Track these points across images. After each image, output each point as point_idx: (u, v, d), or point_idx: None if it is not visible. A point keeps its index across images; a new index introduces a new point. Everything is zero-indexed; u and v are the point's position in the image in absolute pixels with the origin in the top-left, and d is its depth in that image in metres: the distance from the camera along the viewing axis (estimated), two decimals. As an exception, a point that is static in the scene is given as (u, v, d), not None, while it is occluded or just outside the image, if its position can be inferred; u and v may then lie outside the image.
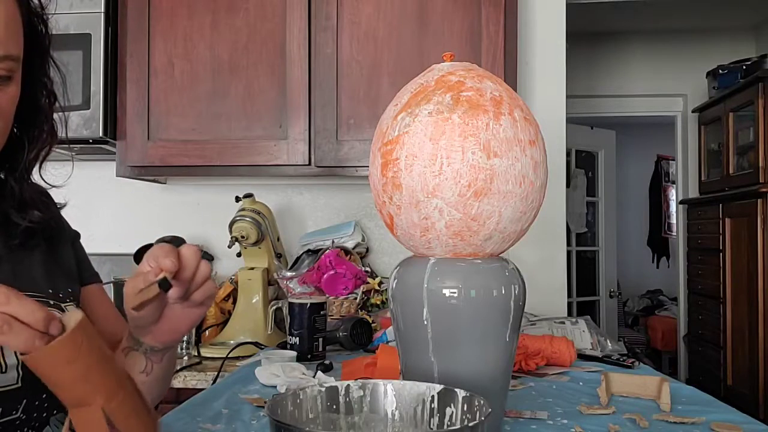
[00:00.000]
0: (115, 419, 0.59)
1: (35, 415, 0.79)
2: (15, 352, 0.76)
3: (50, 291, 0.87)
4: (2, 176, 0.87)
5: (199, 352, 1.85)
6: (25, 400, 0.77)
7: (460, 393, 0.73)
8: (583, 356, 1.55)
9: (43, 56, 0.86)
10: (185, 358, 1.84)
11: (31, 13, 0.82)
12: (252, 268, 2.00)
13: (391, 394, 0.77)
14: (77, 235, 1.02)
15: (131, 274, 2.29)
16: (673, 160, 5.27)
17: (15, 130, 0.84)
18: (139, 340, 0.81)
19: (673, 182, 6.04)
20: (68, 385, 0.58)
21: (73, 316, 0.59)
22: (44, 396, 0.80)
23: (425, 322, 0.90)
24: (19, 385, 0.76)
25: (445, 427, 0.74)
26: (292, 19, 1.93)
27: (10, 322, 0.54)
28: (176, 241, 2.09)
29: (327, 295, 1.91)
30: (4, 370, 0.75)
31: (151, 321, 0.78)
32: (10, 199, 0.85)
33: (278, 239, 2.11)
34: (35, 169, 0.89)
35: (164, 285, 0.70)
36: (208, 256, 2.26)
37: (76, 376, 0.58)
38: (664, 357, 5.88)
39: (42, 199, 0.90)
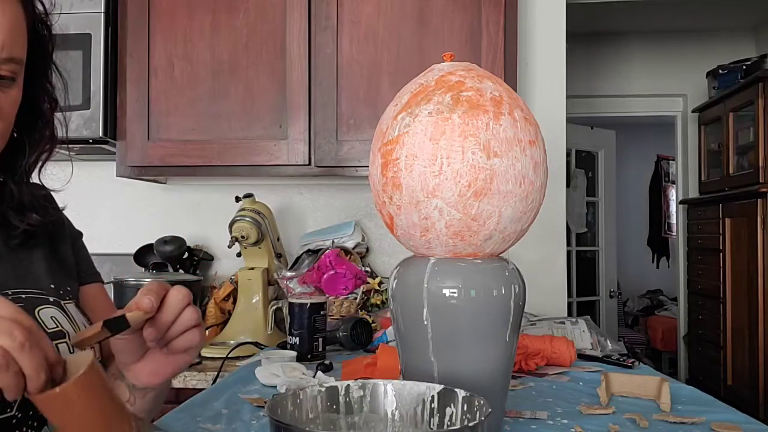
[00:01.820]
0: None
1: (32, 413, 0.79)
2: None
3: (51, 287, 0.87)
4: (1, 178, 0.87)
5: (199, 352, 1.85)
6: (19, 398, 0.77)
7: (460, 393, 0.73)
8: (583, 356, 1.55)
9: (46, 61, 0.87)
10: (185, 358, 1.84)
11: (35, 17, 0.82)
12: (252, 268, 2.00)
13: (391, 394, 0.77)
14: (79, 234, 1.01)
15: (131, 274, 2.27)
16: (673, 160, 5.28)
17: (15, 134, 0.84)
18: (122, 374, 0.77)
19: (673, 182, 6.04)
20: (59, 427, 0.58)
21: (81, 361, 0.57)
22: None
23: (425, 322, 0.90)
24: None
25: (445, 427, 0.74)
26: (292, 19, 1.93)
27: (8, 364, 0.54)
28: (176, 242, 2.10)
29: (327, 295, 1.91)
30: None
31: (131, 359, 0.74)
32: (9, 201, 0.86)
33: (278, 239, 2.11)
34: (35, 172, 0.89)
35: (112, 325, 0.63)
36: (208, 257, 2.26)
37: (64, 427, 0.57)
38: (664, 357, 5.88)
39: (41, 202, 0.90)
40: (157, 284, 0.70)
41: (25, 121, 0.85)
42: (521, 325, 0.97)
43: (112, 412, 0.59)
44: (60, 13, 0.89)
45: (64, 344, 0.83)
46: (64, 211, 0.98)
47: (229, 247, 1.98)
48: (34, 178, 0.90)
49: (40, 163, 0.88)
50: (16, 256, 0.86)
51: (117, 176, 2.04)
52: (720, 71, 4.04)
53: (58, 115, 0.90)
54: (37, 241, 0.89)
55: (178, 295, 0.70)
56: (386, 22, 1.92)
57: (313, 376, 1.31)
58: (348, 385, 0.77)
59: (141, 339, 0.71)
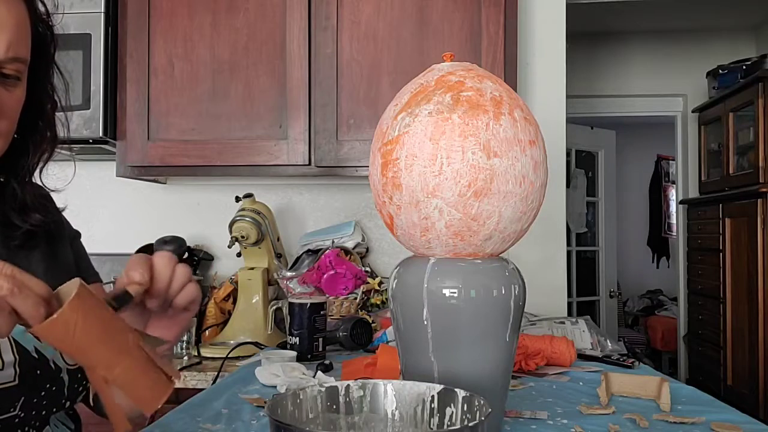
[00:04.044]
0: (118, 384, 0.61)
1: (34, 413, 0.79)
2: (12, 349, 0.77)
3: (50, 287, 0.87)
4: (2, 178, 0.87)
5: (199, 352, 1.85)
6: (22, 398, 0.77)
7: (460, 393, 0.73)
8: (583, 356, 1.54)
9: (48, 62, 0.87)
10: (185, 358, 1.84)
11: (38, 19, 0.83)
12: (252, 268, 2.00)
13: (391, 394, 0.77)
14: (77, 234, 1.02)
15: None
16: (673, 160, 5.27)
17: (16, 135, 0.84)
18: None
19: (673, 182, 6.04)
20: (68, 354, 0.61)
21: (71, 288, 0.60)
22: (43, 394, 0.80)
23: (425, 322, 0.90)
24: (17, 382, 0.76)
25: (445, 427, 0.74)
26: (292, 19, 1.93)
27: (1, 306, 0.57)
28: (176, 242, 2.10)
29: (327, 295, 1.91)
30: (1, 368, 0.75)
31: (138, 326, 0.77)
32: (11, 201, 0.86)
33: (278, 239, 2.11)
34: (36, 173, 0.89)
35: (119, 301, 0.66)
36: (208, 257, 2.26)
37: (72, 350, 0.60)
38: (664, 357, 5.88)
39: (42, 202, 0.90)
40: (139, 257, 0.73)
41: (26, 122, 0.85)
42: (521, 325, 0.97)
43: (111, 325, 0.62)
44: (63, 14, 0.90)
45: None
46: (63, 212, 0.98)
47: (229, 247, 1.99)
48: (36, 179, 0.90)
49: (41, 164, 0.89)
50: (16, 256, 0.86)
51: (117, 176, 2.04)
52: (720, 71, 4.04)
53: (59, 115, 0.90)
54: (36, 241, 0.89)
55: (163, 261, 0.73)
56: (386, 22, 1.92)
57: (313, 376, 1.31)
58: (348, 385, 0.77)
59: (142, 309, 0.74)
